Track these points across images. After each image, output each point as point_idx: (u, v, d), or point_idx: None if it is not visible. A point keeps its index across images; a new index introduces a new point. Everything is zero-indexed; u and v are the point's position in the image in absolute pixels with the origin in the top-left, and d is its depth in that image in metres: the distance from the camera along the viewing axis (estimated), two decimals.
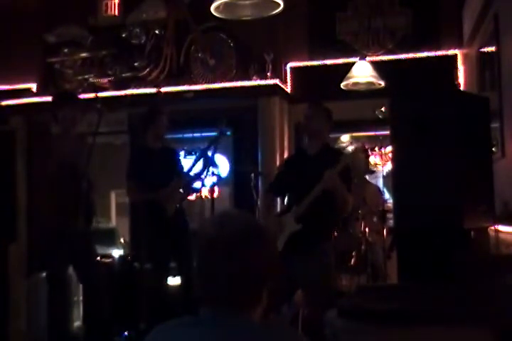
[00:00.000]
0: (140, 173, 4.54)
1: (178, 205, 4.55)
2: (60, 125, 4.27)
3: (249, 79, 5.76)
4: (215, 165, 4.37)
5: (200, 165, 4.49)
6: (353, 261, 4.79)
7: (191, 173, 4.62)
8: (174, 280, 4.85)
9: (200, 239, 1.42)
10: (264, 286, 1.42)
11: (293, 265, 3.51)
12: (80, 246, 4.18)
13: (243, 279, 1.37)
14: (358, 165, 4.69)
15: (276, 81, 5.75)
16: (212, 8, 3.74)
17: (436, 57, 5.76)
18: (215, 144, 4.40)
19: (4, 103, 6.23)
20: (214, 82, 5.85)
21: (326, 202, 3.58)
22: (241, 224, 1.41)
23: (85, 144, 4.28)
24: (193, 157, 4.93)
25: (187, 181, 4.68)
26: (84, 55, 6.27)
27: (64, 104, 4.26)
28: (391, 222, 4.72)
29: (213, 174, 4.41)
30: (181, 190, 4.64)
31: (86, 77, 6.21)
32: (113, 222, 7.33)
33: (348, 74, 5.36)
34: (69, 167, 4.09)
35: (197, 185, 4.81)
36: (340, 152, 4.00)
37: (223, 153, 5.89)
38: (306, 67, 6.07)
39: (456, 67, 5.75)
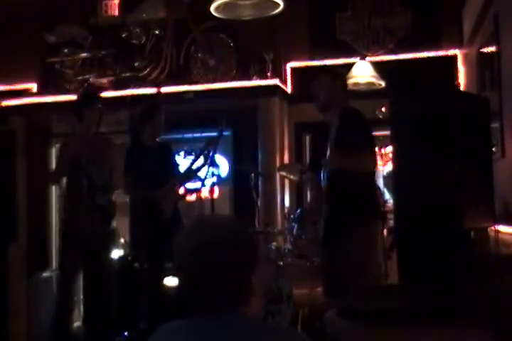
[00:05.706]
0: (137, 170, 4.57)
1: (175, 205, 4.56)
2: (84, 125, 4.28)
3: (250, 79, 5.75)
4: (215, 165, 4.36)
5: (199, 164, 4.50)
6: None
7: (191, 172, 4.64)
8: (174, 280, 4.84)
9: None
10: (246, 283, 1.43)
11: None
12: (95, 246, 4.20)
13: (223, 284, 1.40)
14: None
15: (277, 81, 5.74)
16: (212, 8, 3.74)
17: (436, 57, 5.75)
18: (214, 144, 4.40)
19: (4, 103, 6.22)
20: (214, 82, 5.84)
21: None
22: (204, 237, 1.42)
23: (104, 144, 4.31)
24: (193, 157, 4.95)
25: (183, 180, 4.70)
26: (84, 55, 6.26)
27: (90, 104, 4.27)
28: (391, 222, 4.72)
29: (213, 174, 4.40)
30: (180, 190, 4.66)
31: (86, 77, 6.21)
32: (113, 222, 7.31)
33: (348, 75, 5.36)
34: (86, 167, 4.11)
35: (196, 185, 4.82)
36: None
37: (223, 153, 5.88)
38: (306, 67, 6.06)
39: (456, 67, 5.74)
